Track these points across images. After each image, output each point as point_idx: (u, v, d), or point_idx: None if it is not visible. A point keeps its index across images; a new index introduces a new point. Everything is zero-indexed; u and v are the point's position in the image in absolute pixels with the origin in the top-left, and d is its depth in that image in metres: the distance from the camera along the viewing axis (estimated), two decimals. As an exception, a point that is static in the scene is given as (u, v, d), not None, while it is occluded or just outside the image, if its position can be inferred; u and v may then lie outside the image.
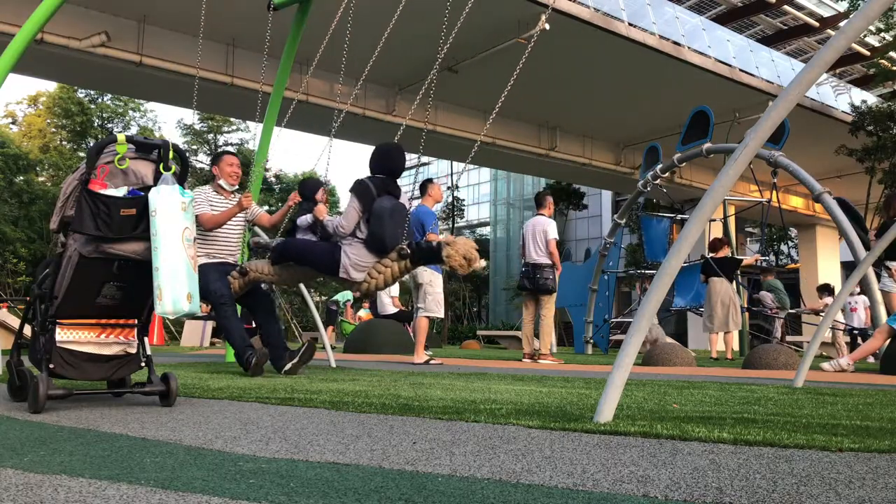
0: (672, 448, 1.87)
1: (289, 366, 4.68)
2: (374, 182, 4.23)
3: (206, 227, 4.75)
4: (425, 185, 7.28)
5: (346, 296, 16.45)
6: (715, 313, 9.75)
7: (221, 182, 4.93)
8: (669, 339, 11.54)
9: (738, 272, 12.38)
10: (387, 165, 4.35)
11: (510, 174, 43.09)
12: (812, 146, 21.65)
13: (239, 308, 5.16)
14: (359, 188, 4.20)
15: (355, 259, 4.12)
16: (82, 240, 2.59)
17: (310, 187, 5.23)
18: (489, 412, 2.57)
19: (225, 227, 4.86)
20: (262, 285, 4.90)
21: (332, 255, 4.16)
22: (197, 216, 4.53)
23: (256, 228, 5.53)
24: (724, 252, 10.25)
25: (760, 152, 8.84)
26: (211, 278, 4.58)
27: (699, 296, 11.16)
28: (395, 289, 11.32)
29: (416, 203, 6.57)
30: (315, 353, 4.85)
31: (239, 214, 4.91)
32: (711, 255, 10.16)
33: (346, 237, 4.17)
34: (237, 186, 5.03)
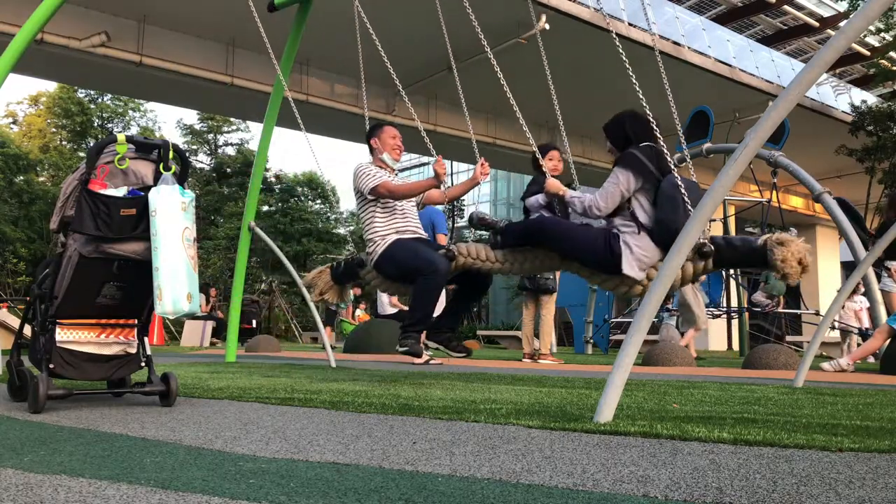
0: (672, 448, 1.87)
1: (428, 344, 4.10)
2: (645, 153, 3.29)
3: (394, 197, 4.04)
4: None
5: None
6: (684, 310, 9.78)
7: (385, 157, 4.23)
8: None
9: (738, 271, 12.38)
10: (647, 130, 3.37)
11: (510, 174, 43.08)
12: (812, 146, 21.65)
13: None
14: (630, 159, 3.28)
15: (639, 253, 3.20)
16: (82, 240, 2.59)
17: (542, 153, 4.28)
18: (489, 412, 2.57)
19: (407, 202, 4.16)
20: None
21: (608, 244, 3.22)
22: (378, 186, 3.99)
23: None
24: None
25: (760, 152, 8.84)
26: (426, 251, 3.83)
27: (699, 296, 11.16)
28: None
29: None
30: (469, 355, 4.25)
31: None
32: None
33: (614, 222, 3.29)
34: (400, 162, 4.34)
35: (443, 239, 6.23)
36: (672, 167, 3.23)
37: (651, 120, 3.34)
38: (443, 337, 4.04)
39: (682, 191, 3.07)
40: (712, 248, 3.04)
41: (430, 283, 3.76)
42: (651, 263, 3.23)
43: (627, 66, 3.41)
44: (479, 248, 3.68)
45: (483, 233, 4.27)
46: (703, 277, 10.07)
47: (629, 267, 3.18)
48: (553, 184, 3.60)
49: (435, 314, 4.03)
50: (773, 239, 3.04)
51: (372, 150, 4.30)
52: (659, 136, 3.30)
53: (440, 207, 6.83)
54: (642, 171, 3.23)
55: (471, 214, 4.14)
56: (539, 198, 3.94)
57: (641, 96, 3.34)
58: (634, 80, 3.29)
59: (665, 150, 3.28)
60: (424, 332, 4.00)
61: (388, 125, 4.36)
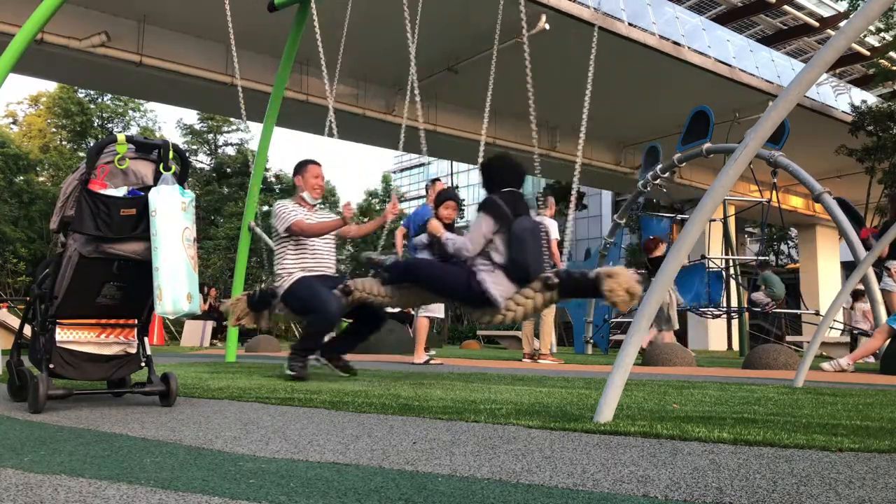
0: (672, 448, 1.87)
1: (318, 361, 4.45)
2: (503, 198, 3.68)
3: (305, 235, 4.38)
4: (431, 185, 7.29)
5: None
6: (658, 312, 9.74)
7: (305, 195, 4.56)
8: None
9: (738, 271, 12.37)
10: (511, 177, 3.78)
11: (510, 174, 43.01)
12: (812, 146, 21.65)
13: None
14: (490, 206, 3.67)
15: (494, 285, 3.60)
16: (82, 240, 2.59)
17: (440, 198, 4.87)
18: (489, 412, 2.57)
19: (320, 239, 4.48)
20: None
21: (468, 283, 3.62)
22: (291, 225, 4.32)
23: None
24: (660, 251, 10.03)
25: (760, 152, 8.84)
26: (322, 293, 4.14)
27: (699, 296, 11.16)
28: None
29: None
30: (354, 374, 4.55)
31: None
32: (647, 255, 10.09)
33: (475, 262, 3.67)
34: (320, 200, 4.69)
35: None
36: (528, 210, 3.71)
37: (517, 164, 3.82)
38: (332, 356, 4.50)
39: (530, 233, 3.55)
40: (556, 280, 3.49)
41: (320, 321, 4.21)
42: (506, 296, 3.60)
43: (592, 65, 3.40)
44: (372, 283, 4.07)
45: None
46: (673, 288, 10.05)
47: (493, 296, 3.57)
48: (434, 225, 4.02)
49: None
50: (603, 272, 3.37)
51: (295, 188, 4.67)
52: (522, 179, 3.82)
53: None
54: (499, 216, 3.62)
55: (360, 255, 4.70)
56: (423, 237, 4.35)
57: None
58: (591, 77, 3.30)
59: (521, 194, 3.75)
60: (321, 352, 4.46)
61: (312, 164, 4.66)
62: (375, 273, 4.15)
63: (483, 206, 3.70)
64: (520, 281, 3.57)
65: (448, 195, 5.12)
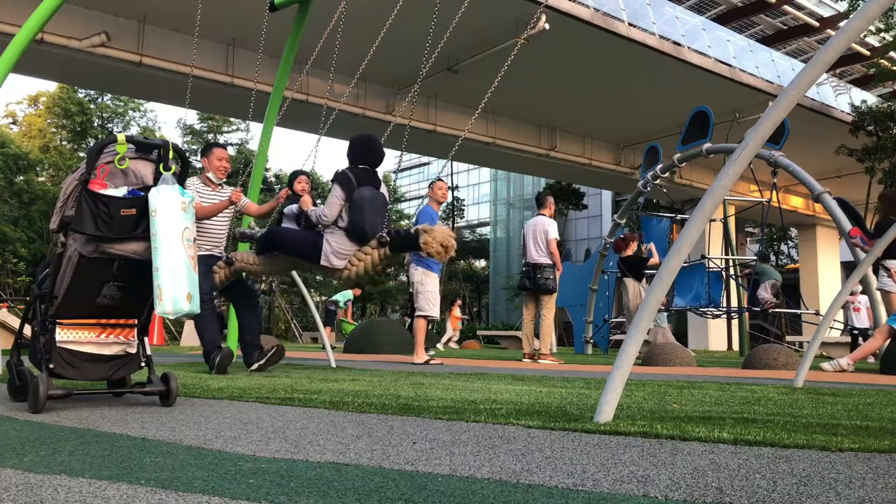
0: (672, 448, 1.87)
1: (255, 365, 4.84)
2: (354, 172, 4.34)
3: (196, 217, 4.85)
4: (431, 186, 7.30)
5: (346, 296, 16.48)
6: (628, 314, 9.58)
7: (210, 175, 5.03)
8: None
9: (738, 272, 12.36)
10: (365, 155, 4.46)
11: (510, 174, 43.09)
12: (812, 146, 21.66)
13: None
14: (340, 177, 4.31)
15: (336, 247, 4.23)
16: (82, 240, 2.59)
17: (293, 178, 5.43)
18: (489, 412, 2.57)
19: (213, 219, 4.96)
20: (248, 280, 5.05)
21: (315, 243, 4.27)
22: None
23: (250, 220, 5.68)
24: (630, 250, 9.81)
25: (760, 152, 8.84)
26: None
27: (699, 296, 11.16)
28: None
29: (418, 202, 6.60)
30: (284, 355, 5.06)
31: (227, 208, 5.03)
32: (619, 255, 9.87)
33: (329, 226, 4.28)
34: (224, 179, 5.14)
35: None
36: (379, 184, 4.39)
37: (374, 144, 4.47)
38: (254, 357, 4.89)
39: (368, 200, 4.17)
40: (387, 238, 4.12)
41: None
42: (348, 255, 4.22)
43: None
44: (248, 254, 4.73)
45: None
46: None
47: (327, 259, 4.22)
48: (305, 200, 4.69)
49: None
50: (422, 228, 4.05)
51: (202, 168, 5.13)
52: (378, 158, 4.48)
53: (437, 210, 7.30)
54: (346, 186, 4.27)
55: (235, 231, 5.32)
56: (293, 208, 4.96)
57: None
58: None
59: (371, 169, 4.42)
60: (272, 358, 4.89)
61: (217, 147, 5.18)
62: (250, 245, 4.77)
63: (335, 178, 4.34)
64: (359, 240, 4.19)
65: (298, 173, 5.70)
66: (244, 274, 4.94)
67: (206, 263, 4.75)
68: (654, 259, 10.30)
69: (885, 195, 7.04)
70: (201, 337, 4.87)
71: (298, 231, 4.57)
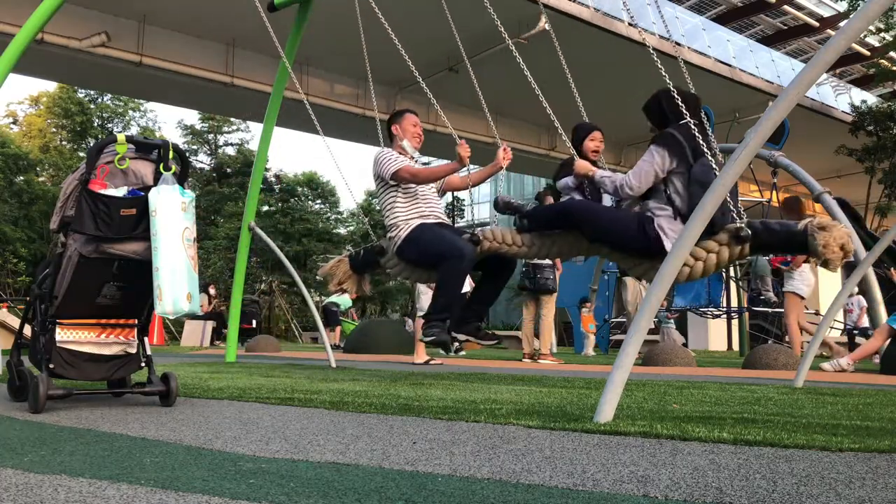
0: (672, 448, 1.87)
1: (462, 338, 3.86)
2: (681, 132, 3.13)
3: (416, 182, 3.92)
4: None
5: (346, 303, 16.43)
6: (629, 312, 10.00)
7: (404, 143, 4.12)
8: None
9: (738, 272, 12.34)
10: (690, 107, 3.21)
11: (510, 174, 43.07)
12: (812, 146, 21.66)
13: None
14: (666, 139, 3.15)
15: (673, 236, 3.04)
16: (82, 240, 2.58)
17: (580, 133, 4.28)
18: (489, 412, 2.57)
19: (428, 186, 4.05)
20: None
21: (641, 227, 3.10)
22: (399, 171, 3.85)
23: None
24: None
25: (760, 152, 8.84)
26: (447, 236, 3.69)
27: (699, 296, 11.15)
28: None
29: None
30: (494, 342, 4.10)
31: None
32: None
33: (648, 205, 3.16)
34: (418, 151, 4.25)
35: None
36: (705, 150, 3.06)
37: (694, 97, 3.29)
38: (471, 327, 3.89)
39: (712, 174, 2.93)
40: (749, 232, 2.91)
41: (454, 268, 3.59)
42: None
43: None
44: (506, 231, 3.61)
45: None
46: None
47: (662, 248, 3.02)
48: (582, 164, 3.50)
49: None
50: (814, 223, 2.89)
51: (392, 137, 4.20)
52: (700, 108, 3.24)
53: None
54: (678, 152, 3.08)
55: (496, 199, 4.15)
56: (569, 180, 3.82)
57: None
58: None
59: (699, 130, 3.11)
60: (450, 324, 3.76)
61: (409, 112, 4.26)
62: (513, 219, 3.68)
63: (660, 139, 3.17)
64: (705, 231, 2.71)
65: (589, 125, 4.42)
66: None
67: (452, 228, 3.91)
68: None
69: (786, 200, 7.17)
70: (439, 293, 3.71)
71: (611, 209, 3.38)
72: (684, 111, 3.15)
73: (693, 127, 3.09)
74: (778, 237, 2.98)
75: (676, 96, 3.21)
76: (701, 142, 3.08)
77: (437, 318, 3.63)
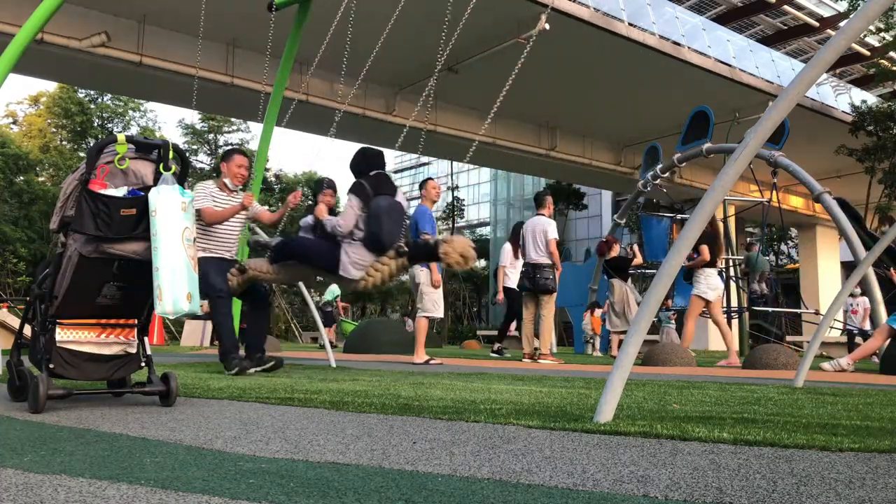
0: (672, 448, 1.87)
1: (252, 370, 4.77)
2: (368, 181, 4.29)
3: (207, 222, 4.77)
4: (423, 185, 7.27)
5: (333, 292, 16.47)
6: (610, 313, 10.13)
7: (226, 181, 4.96)
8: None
9: (738, 272, 12.35)
10: (377, 163, 4.42)
11: (510, 174, 43.08)
12: (812, 146, 21.66)
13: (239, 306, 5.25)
14: (356, 188, 4.28)
15: (354, 257, 4.17)
16: (82, 240, 2.58)
17: (317, 188, 5.33)
18: (489, 412, 2.57)
19: (226, 223, 4.92)
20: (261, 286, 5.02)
21: (332, 254, 4.22)
22: (198, 210, 4.58)
23: (255, 227, 5.59)
24: (614, 252, 10.43)
25: (760, 152, 8.84)
26: (211, 272, 4.61)
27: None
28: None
29: (415, 203, 6.56)
30: (282, 367, 5.02)
31: (240, 213, 4.97)
32: (604, 258, 10.51)
33: (345, 236, 4.24)
34: (241, 186, 5.09)
35: (428, 237, 6.67)
36: (395, 191, 4.31)
37: (379, 153, 4.46)
38: (255, 359, 4.82)
39: (385, 210, 4.10)
40: (405, 248, 4.10)
41: (218, 307, 4.74)
42: (366, 265, 4.17)
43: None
44: (262, 262, 4.67)
45: None
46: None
47: (344, 269, 4.17)
48: (320, 210, 4.60)
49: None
50: (441, 239, 4.02)
51: (220, 172, 5.09)
52: (384, 165, 4.44)
53: (434, 207, 7.39)
54: (362, 195, 4.22)
55: (249, 239, 5.24)
56: (308, 219, 4.90)
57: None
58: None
59: (386, 175, 4.38)
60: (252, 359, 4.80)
61: (238, 154, 5.09)
62: (264, 254, 4.78)
63: (351, 189, 4.30)
64: (377, 251, 4.14)
65: (326, 184, 5.66)
66: None
67: (219, 265, 4.75)
68: (638, 259, 10.85)
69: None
70: (221, 335, 4.85)
71: (315, 240, 4.51)
72: (377, 164, 4.40)
73: (380, 175, 4.33)
74: (423, 250, 4.27)
75: (368, 155, 4.44)
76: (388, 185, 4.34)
77: (232, 355, 4.69)
